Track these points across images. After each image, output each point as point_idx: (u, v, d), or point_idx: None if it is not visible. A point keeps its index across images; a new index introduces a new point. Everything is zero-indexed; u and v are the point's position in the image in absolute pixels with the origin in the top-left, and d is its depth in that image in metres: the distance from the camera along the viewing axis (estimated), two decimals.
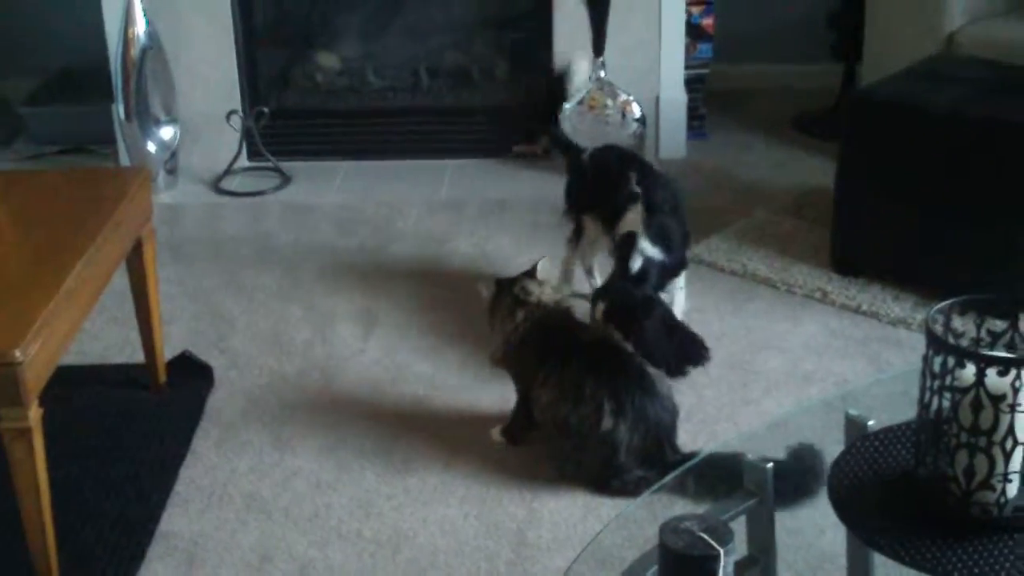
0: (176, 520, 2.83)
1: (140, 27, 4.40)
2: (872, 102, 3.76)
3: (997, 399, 1.69)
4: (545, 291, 3.08)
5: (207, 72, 4.63)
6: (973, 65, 3.89)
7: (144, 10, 4.40)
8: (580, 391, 2.87)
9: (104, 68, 4.55)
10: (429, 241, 4.12)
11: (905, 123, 3.62)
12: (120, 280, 3.15)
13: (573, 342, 2.97)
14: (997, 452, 1.71)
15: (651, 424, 2.87)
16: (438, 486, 2.91)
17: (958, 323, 1.80)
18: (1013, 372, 1.68)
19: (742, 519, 1.96)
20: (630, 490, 2.84)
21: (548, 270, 3.15)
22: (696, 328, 3.51)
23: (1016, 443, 1.70)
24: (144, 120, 4.48)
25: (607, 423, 2.83)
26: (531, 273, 3.11)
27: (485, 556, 2.68)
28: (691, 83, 4.75)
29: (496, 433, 3.07)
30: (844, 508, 1.83)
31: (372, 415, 3.20)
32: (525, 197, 4.42)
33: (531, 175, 4.62)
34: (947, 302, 1.80)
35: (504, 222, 4.24)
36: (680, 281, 3.46)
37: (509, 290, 3.08)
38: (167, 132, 4.55)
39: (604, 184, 3.50)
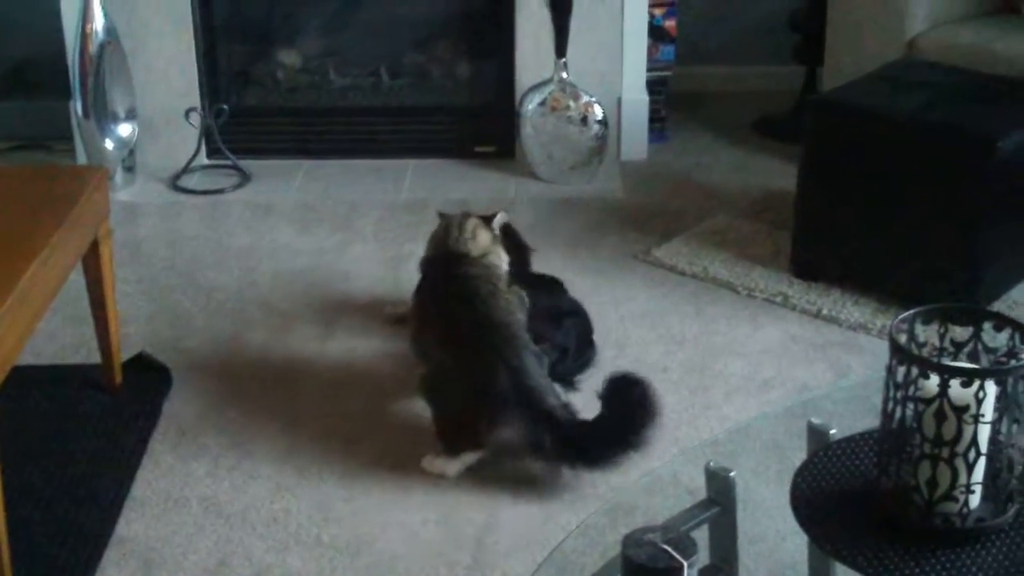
0: (132, 525, 2.79)
1: (98, 22, 4.34)
2: (833, 106, 3.77)
3: (960, 410, 1.69)
4: (480, 238, 3.14)
5: (166, 69, 4.58)
6: (934, 71, 3.91)
7: (102, 5, 4.34)
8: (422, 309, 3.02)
9: (61, 63, 4.50)
10: (390, 242, 4.10)
11: (866, 128, 3.63)
12: (76, 279, 3.11)
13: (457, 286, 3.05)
14: (960, 463, 1.71)
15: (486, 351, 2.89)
16: (398, 491, 2.89)
17: (921, 333, 1.80)
18: (976, 383, 1.68)
19: (705, 527, 1.95)
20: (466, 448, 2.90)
21: (500, 222, 3.19)
22: (656, 332, 3.52)
23: (979, 454, 1.70)
24: (102, 117, 4.43)
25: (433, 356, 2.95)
26: (487, 219, 3.14)
27: (444, 562, 2.66)
28: (653, 85, 4.75)
29: (430, 462, 2.98)
30: (806, 517, 1.83)
31: (332, 418, 3.18)
32: (486, 197, 4.40)
33: (491, 175, 4.61)
34: (911, 312, 1.80)
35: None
36: None
37: (447, 223, 3.19)
38: (125, 129, 4.50)
39: None
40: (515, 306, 3.03)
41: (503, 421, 2.84)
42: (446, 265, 3.12)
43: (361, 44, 4.93)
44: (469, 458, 2.91)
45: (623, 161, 4.67)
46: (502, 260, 3.22)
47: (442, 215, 3.31)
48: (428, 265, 3.22)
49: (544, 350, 3.05)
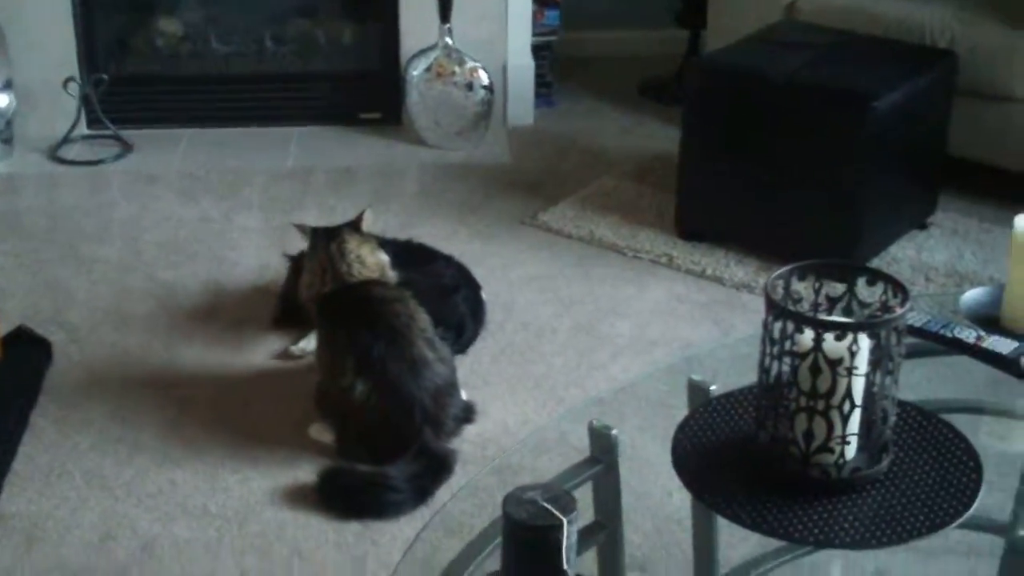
0: (14, 500, 2.75)
1: None
2: (714, 69, 3.81)
3: (835, 363, 1.71)
4: (367, 259, 3.03)
5: (42, 37, 4.48)
6: (813, 32, 3.96)
7: None
8: (334, 344, 2.89)
9: None
10: (275, 210, 4.06)
11: (746, 90, 3.67)
12: None
13: (355, 301, 2.96)
14: (835, 415, 1.73)
15: (402, 391, 2.82)
16: (285, 458, 2.88)
17: (798, 288, 1.82)
18: (850, 337, 1.70)
19: (588, 485, 1.97)
20: (360, 460, 2.81)
21: (372, 221, 3.12)
22: (544, 295, 3.53)
23: (854, 406, 1.73)
24: None
25: (346, 379, 2.83)
26: (355, 224, 3.08)
27: (333, 527, 2.66)
28: (538, 50, 4.76)
29: (318, 431, 2.95)
30: (687, 473, 1.84)
31: (218, 387, 3.15)
32: (372, 164, 4.39)
33: (378, 142, 4.59)
34: (786, 268, 1.82)
35: (352, 190, 4.20)
36: None
37: (326, 244, 3.03)
38: (2, 100, 4.40)
39: None
40: (426, 324, 2.97)
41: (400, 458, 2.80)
42: (351, 298, 2.98)
43: (244, 11, 4.87)
44: None
45: (510, 126, 4.67)
46: (387, 265, 3.10)
47: (303, 228, 3.11)
48: (328, 301, 3.01)
49: (441, 335, 3.03)
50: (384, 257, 3.09)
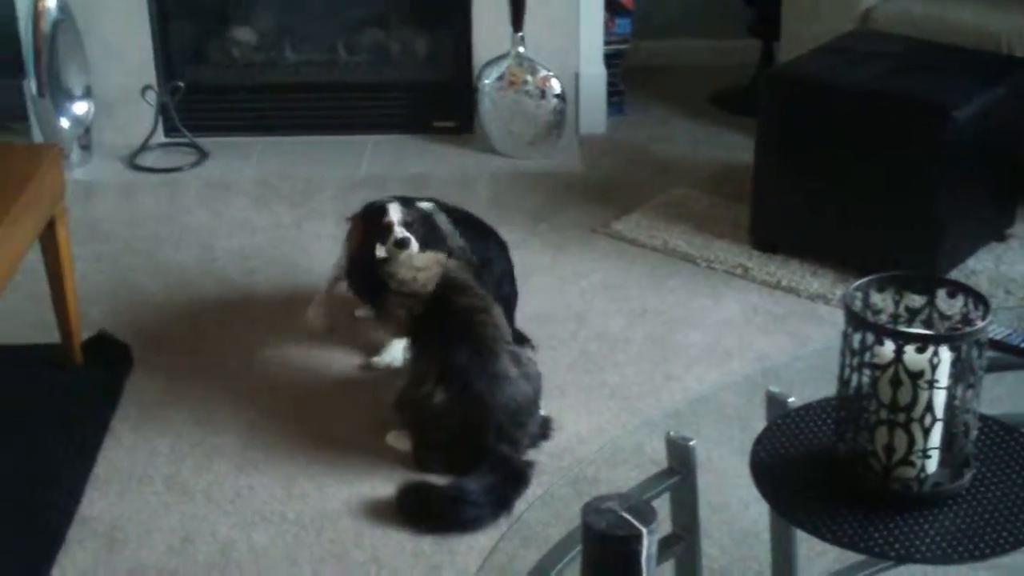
0: (96, 503, 2.79)
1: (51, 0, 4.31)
2: (788, 79, 3.79)
3: (915, 375, 1.71)
4: (417, 265, 3.02)
5: (121, 46, 4.55)
6: (888, 41, 3.93)
7: None
8: (421, 351, 2.94)
9: (14, 41, 4.46)
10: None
11: (821, 100, 3.65)
12: (35, 258, 3.10)
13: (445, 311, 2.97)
14: (916, 428, 1.73)
15: (480, 404, 2.82)
16: (363, 466, 2.90)
17: (877, 300, 1.82)
18: (931, 349, 1.69)
19: (666, 496, 1.97)
20: (435, 469, 2.84)
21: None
22: (618, 304, 3.53)
23: (935, 419, 1.72)
24: (57, 95, 4.40)
25: (427, 386, 2.85)
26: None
27: (410, 536, 2.67)
28: (610, 59, 4.76)
29: (395, 437, 2.98)
30: (766, 485, 1.84)
31: (295, 394, 3.18)
32: (445, 172, 4.41)
33: (450, 150, 4.61)
34: (866, 279, 1.82)
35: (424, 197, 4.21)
36: None
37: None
38: (81, 107, 4.47)
39: None
40: (503, 329, 2.99)
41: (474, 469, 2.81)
42: (440, 308, 2.97)
43: (317, 20, 4.91)
44: None
45: (582, 135, 4.68)
46: (443, 260, 3.08)
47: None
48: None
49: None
50: (437, 255, 3.08)
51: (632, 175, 4.38)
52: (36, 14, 4.30)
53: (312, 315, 3.40)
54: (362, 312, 3.42)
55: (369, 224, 3.15)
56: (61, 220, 3.08)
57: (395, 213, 3.10)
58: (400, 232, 3.07)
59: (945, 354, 1.70)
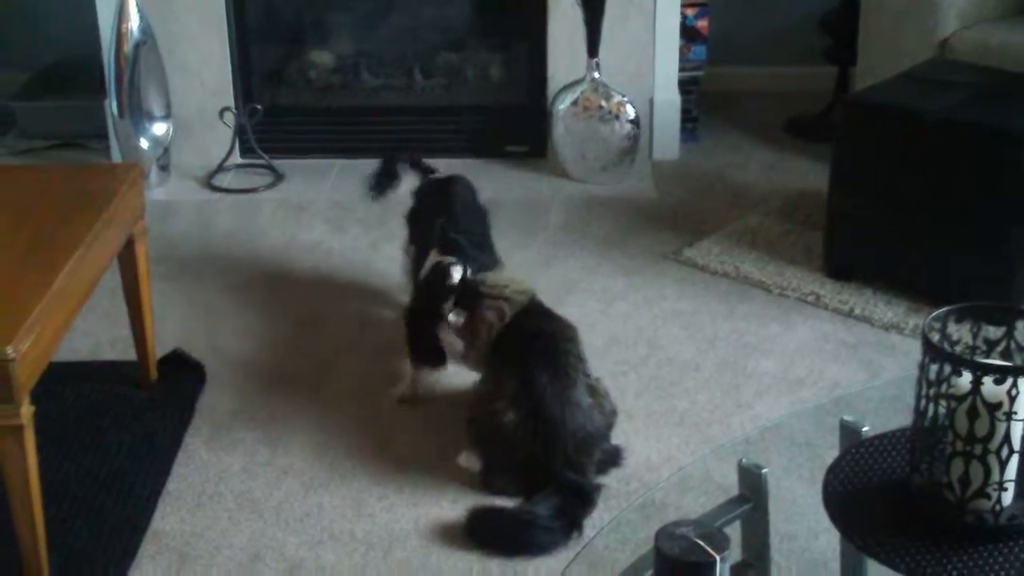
0: (168, 518, 2.82)
1: (134, 22, 4.38)
2: (865, 106, 3.76)
3: (993, 407, 1.69)
4: (500, 287, 3.06)
5: (201, 68, 4.62)
6: (966, 70, 3.90)
7: (138, 5, 4.38)
8: (500, 370, 2.92)
9: (96, 62, 4.54)
10: None
11: (898, 128, 3.62)
12: (112, 277, 3.14)
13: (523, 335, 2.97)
14: (993, 460, 1.71)
15: (549, 429, 2.81)
16: (431, 486, 2.91)
17: (954, 330, 1.80)
18: (1009, 380, 1.68)
19: (737, 524, 1.96)
20: (503, 491, 2.85)
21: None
22: (689, 331, 3.52)
23: (1012, 451, 1.71)
24: (137, 116, 4.47)
25: (501, 404, 2.84)
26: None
27: (477, 557, 2.68)
28: (685, 85, 4.76)
29: (466, 458, 2.98)
30: (839, 514, 1.83)
31: (364, 415, 3.20)
32: (517, 196, 4.42)
33: (523, 174, 4.62)
34: (943, 309, 1.80)
35: (497, 221, 4.22)
36: None
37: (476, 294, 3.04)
38: (160, 128, 4.54)
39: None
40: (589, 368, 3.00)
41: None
42: (524, 330, 2.99)
43: (394, 44, 4.95)
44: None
45: (655, 161, 4.68)
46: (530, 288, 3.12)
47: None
48: (501, 334, 3.02)
49: None
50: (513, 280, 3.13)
51: (705, 202, 4.37)
52: (119, 36, 4.38)
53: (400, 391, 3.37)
54: (453, 316, 3.35)
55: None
56: (140, 239, 3.13)
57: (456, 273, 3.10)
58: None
59: None
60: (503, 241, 4.07)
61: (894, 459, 1.91)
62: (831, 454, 1.99)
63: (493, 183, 4.55)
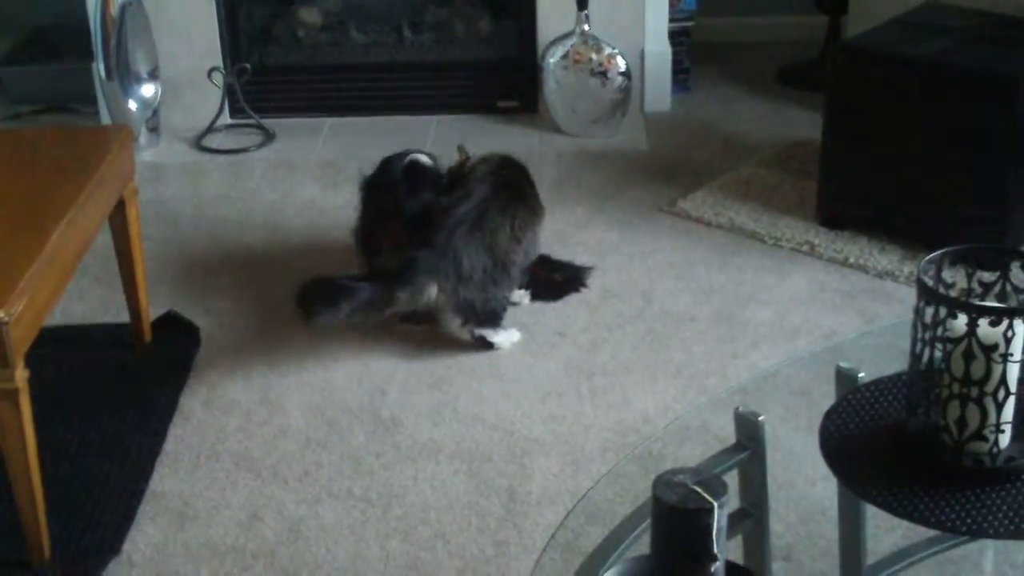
0: (166, 480, 2.82)
1: None
2: (857, 53, 3.74)
3: (989, 349, 1.68)
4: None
5: (188, 29, 4.58)
6: (957, 15, 3.87)
7: None
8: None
9: (83, 26, 4.50)
10: None
11: (890, 74, 3.60)
12: (104, 239, 3.13)
13: None
14: (989, 402, 1.70)
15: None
16: (428, 443, 2.91)
17: (949, 274, 1.79)
18: (1005, 322, 1.67)
19: (734, 473, 1.96)
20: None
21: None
22: (684, 283, 3.52)
23: (1008, 393, 1.70)
24: (125, 78, 4.44)
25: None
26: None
27: (476, 512, 2.68)
28: (675, 36, 4.73)
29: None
30: (836, 460, 1.83)
31: (360, 373, 3.19)
32: (509, 151, 4.37)
33: (515, 130, 4.60)
34: (938, 253, 1.79)
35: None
36: None
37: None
38: (148, 90, 4.51)
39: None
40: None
41: None
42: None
43: (382, 0, 4.92)
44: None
45: (647, 113, 4.66)
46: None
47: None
48: None
49: None
50: None
51: (698, 153, 4.35)
52: None
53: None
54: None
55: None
56: (130, 201, 3.11)
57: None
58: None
59: (1020, 327, 1.68)
60: None
61: (891, 404, 1.90)
62: (827, 402, 1.98)
63: (485, 139, 4.52)
